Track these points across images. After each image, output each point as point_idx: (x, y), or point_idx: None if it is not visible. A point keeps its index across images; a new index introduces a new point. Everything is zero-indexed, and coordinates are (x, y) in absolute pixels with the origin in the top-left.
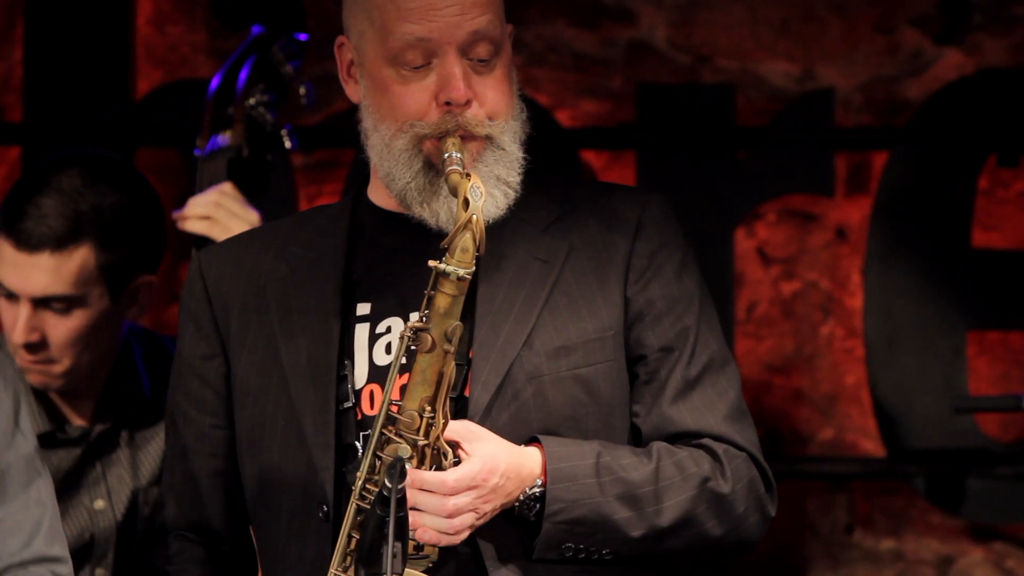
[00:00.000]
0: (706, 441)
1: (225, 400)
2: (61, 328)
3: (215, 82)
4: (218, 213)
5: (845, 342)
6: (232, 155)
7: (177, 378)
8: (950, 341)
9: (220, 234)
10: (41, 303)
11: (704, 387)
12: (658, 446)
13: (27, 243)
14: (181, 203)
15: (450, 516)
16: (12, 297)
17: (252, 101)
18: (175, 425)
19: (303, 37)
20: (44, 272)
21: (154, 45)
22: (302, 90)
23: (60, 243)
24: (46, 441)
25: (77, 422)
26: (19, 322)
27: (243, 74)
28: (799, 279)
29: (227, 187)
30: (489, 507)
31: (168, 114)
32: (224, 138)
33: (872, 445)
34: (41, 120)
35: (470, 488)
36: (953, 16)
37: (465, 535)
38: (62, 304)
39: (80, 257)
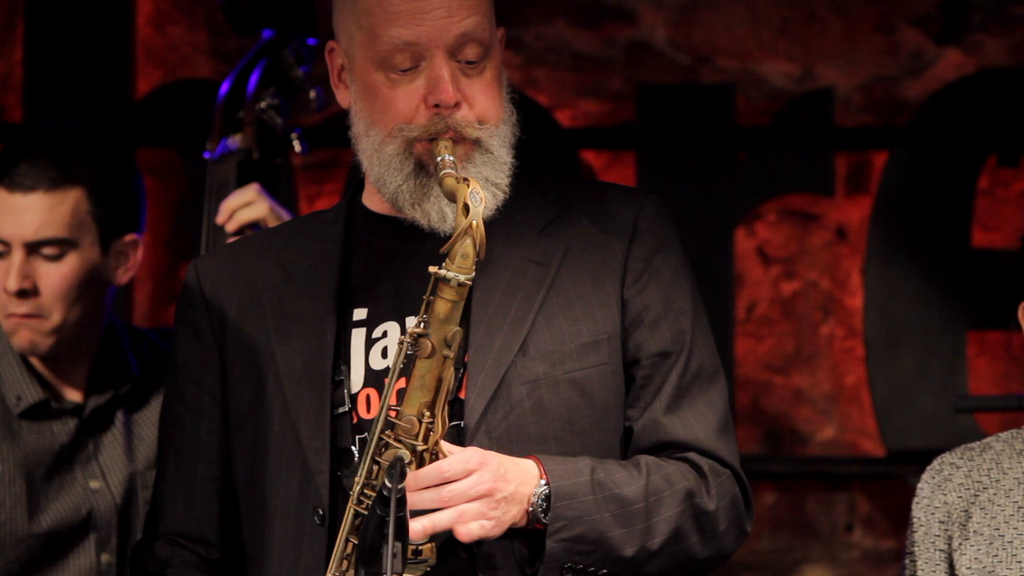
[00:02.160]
0: (692, 455)
1: (221, 405)
2: (53, 275)
3: (225, 86)
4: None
5: (845, 342)
6: (242, 158)
7: (173, 383)
8: (950, 341)
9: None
10: (33, 249)
11: (696, 397)
12: (646, 459)
13: (21, 185)
14: (181, 204)
15: (448, 504)
16: (2, 254)
17: (263, 105)
18: (170, 430)
19: (313, 42)
20: (38, 213)
21: (154, 45)
22: (312, 94)
23: (54, 183)
24: (40, 412)
25: (70, 396)
26: (12, 269)
27: (254, 78)
28: (799, 279)
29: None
30: (500, 495)
31: (168, 114)
32: (234, 141)
33: (872, 445)
34: (41, 120)
35: (467, 472)
36: (953, 16)
37: (477, 528)
38: (54, 248)
39: (73, 199)
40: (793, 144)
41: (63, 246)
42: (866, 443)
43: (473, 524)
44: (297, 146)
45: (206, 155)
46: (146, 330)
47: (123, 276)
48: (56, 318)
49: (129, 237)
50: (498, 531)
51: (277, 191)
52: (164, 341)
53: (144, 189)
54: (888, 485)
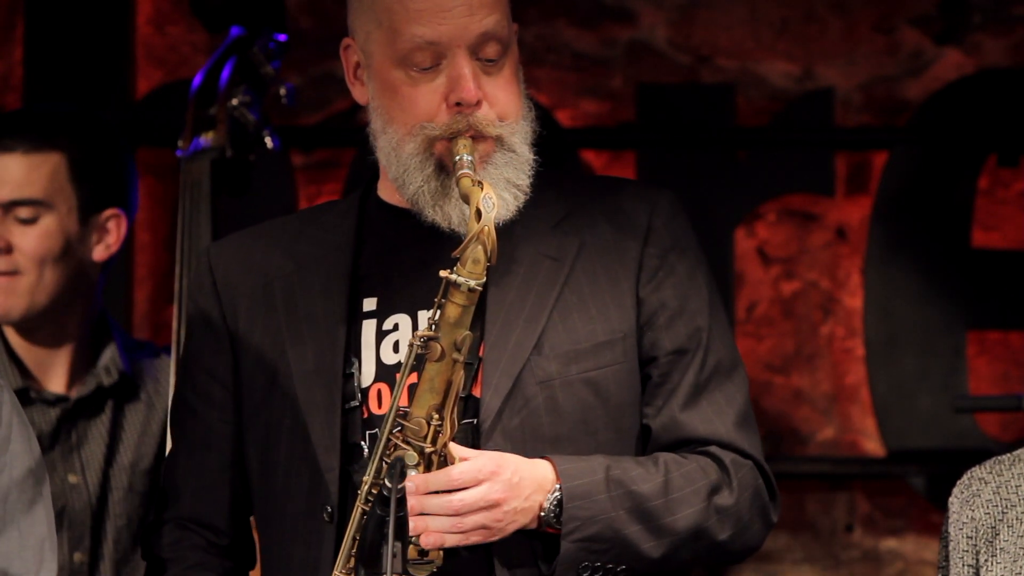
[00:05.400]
0: (714, 449)
1: (233, 395)
2: (28, 237)
3: (196, 82)
4: None
5: (845, 342)
6: (215, 156)
7: (184, 372)
8: (950, 341)
9: None
10: (8, 209)
11: (714, 392)
12: (665, 456)
13: (1, 145)
14: None
15: (457, 513)
16: None
17: (234, 102)
18: (181, 419)
19: (282, 37)
20: (16, 172)
21: (154, 45)
22: (282, 91)
23: (34, 145)
24: (21, 400)
25: (53, 387)
26: None
27: (224, 75)
28: (799, 279)
29: None
30: (508, 506)
31: (168, 114)
32: (206, 139)
33: (872, 445)
34: None
35: (478, 482)
36: (953, 16)
37: (477, 537)
38: (29, 211)
39: (52, 163)
40: (793, 144)
41: (38, 208)
42: (866, 443)
43: (474, 535)
44: (269, 143)
45: (178, 153)
46: (148, 342)
47: (102, 252)
48: (30, 278)
49: (110, 211)
50: (498, 538)
51: (248, 189)
52: (164, 351)
53: (134, 170)
54: (888, 485)
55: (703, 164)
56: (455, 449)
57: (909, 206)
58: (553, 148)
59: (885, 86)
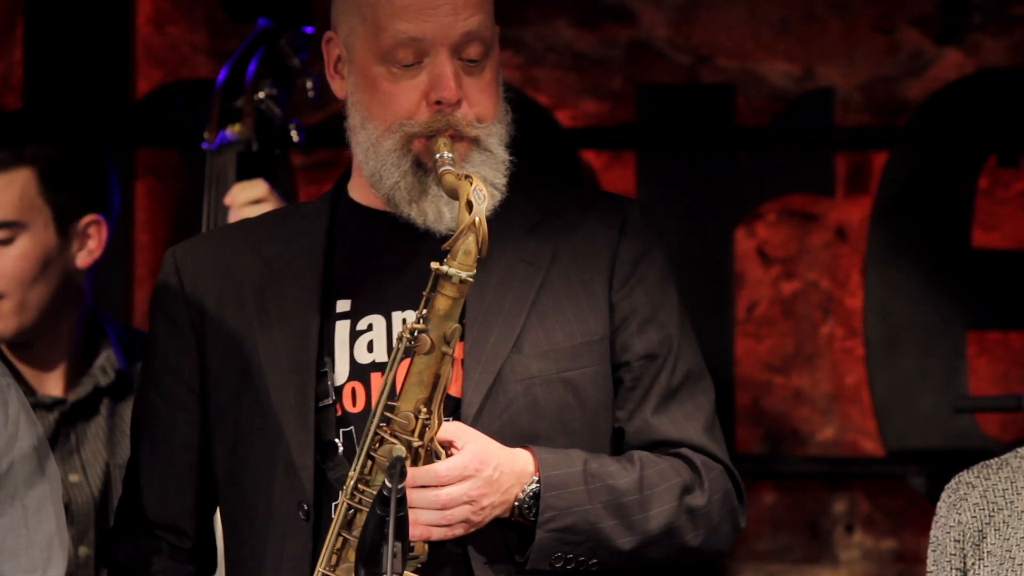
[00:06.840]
0: (685, 451)
1: (199, 396)
2: (6, 259)
3: (223, 73)
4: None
5: (845, 342)
6: (241, 149)
7: (149, 373)
8: (950, 341)
9: None
10: None
11: (683, 397)
12: (640, 454)
13: None
14: (181, 203)
15: (443, 507)
16: None
17: (261, 95)
18: (144, 419)
19: (310, 30)
20: None
21: (154, 45)
22: (309, 83)
23: (2, 165)
24: None
25: (50, 390)
26: None
27: (251, 67)
28: (799, 279)
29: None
30: (487, 501)
31: (168, 114)
32: (232, 132)
33: (872, 445)
34: None
35: (463, 478)
36: (953, 16)
37: (460, 530)
38: (4, 232)
39: (21, 180)
40: (793, 144)
41: (12, 229)
42: (866, 443)
43: (458, 528)
44: (295, 136)
45: (204, 145)
46: (142, 331)
47: (85, 259)
48: (14, 300)
49: (89, 217)
50: (473, 529)
51: (276, 181)
52: None
53: (114, 172)
54: (888, 485)
55: (703, 164)
56: (444, 431)
57: (909, 206)
58: (553, 148)
59: (885, 86)
